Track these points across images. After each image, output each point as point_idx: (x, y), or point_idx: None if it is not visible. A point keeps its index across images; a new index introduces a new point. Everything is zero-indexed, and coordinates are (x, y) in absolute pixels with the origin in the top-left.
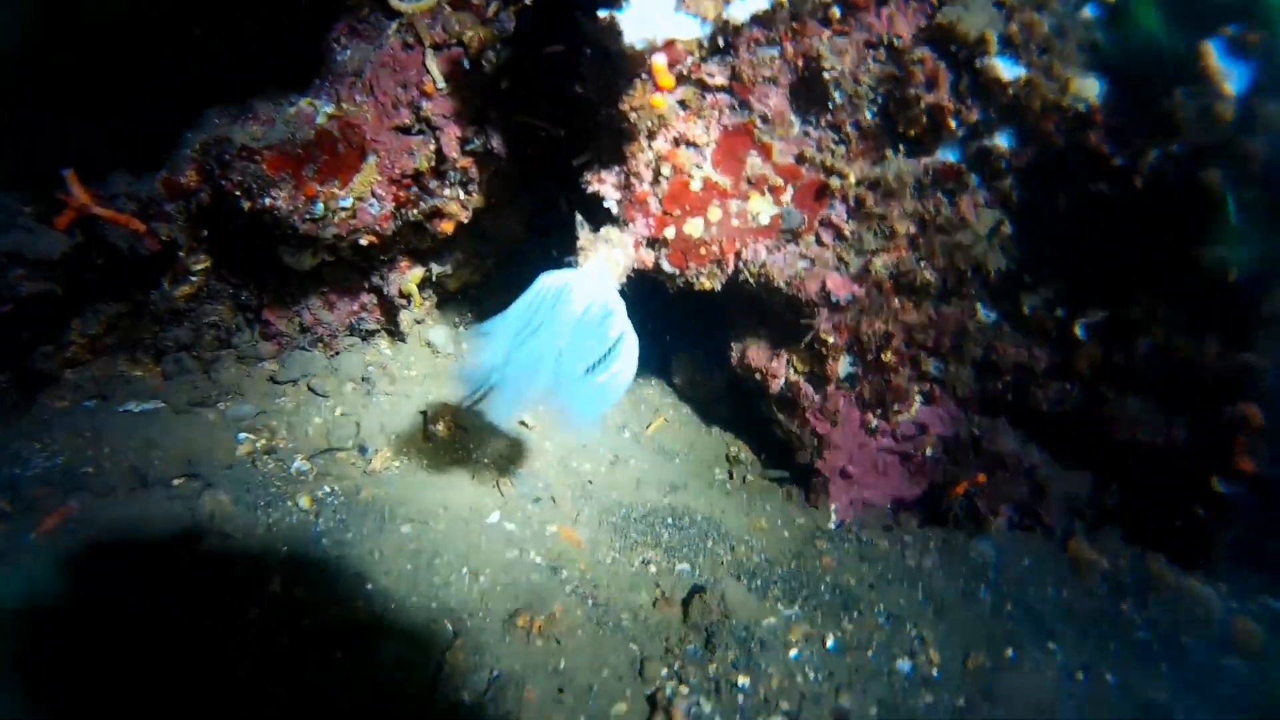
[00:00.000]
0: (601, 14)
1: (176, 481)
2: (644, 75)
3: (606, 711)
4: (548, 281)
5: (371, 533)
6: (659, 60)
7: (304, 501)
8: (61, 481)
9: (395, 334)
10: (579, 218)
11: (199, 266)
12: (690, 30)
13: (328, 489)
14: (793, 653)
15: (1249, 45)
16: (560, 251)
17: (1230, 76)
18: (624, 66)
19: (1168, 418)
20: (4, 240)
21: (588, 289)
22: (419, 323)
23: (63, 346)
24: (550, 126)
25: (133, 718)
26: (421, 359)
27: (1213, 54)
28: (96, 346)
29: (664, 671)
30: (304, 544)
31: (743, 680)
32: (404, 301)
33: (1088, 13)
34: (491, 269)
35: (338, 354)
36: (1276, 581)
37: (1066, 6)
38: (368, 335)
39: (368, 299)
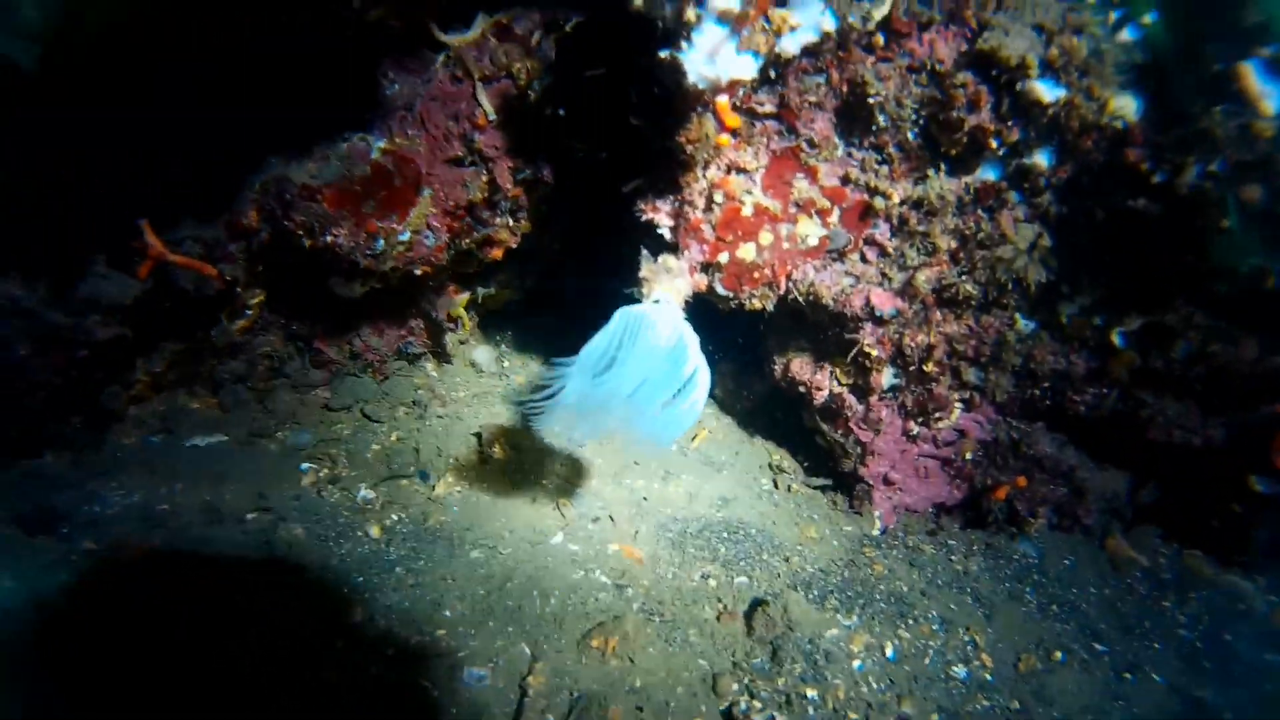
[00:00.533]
0: (663, 54)
1: (250, 516)
2: (700, 110)
3: None
4: (626, 316)
5: (443, 559)
6: (723, 100)
7: (374, 531)
8: (140, 519)
9: (441, 355)
10: (644, 251)
11: (254, 301)
12: (748, 69)
13: (395, 517)
14: (856, 664)
15: None
16: (602, 269)
17: (1269, 95)
18: (683, 103)
19: (1204, 419)
20: (82, 288)
21: (663, 322)
22: (462, 343)
23: (129, 385)
24: (594, 149)
25: None
26: (468, 379)
27: (1251, 74)
28: (159, 383)
29: (735, 686)
30: (379, 573)
31: (811, 693)
32: (451, 325)
33: (1126, 35)
34: (533, 286)
35: (387, 378)
36: None
37: (1105, 29)
38: (414, 358)
39: (415, 323)
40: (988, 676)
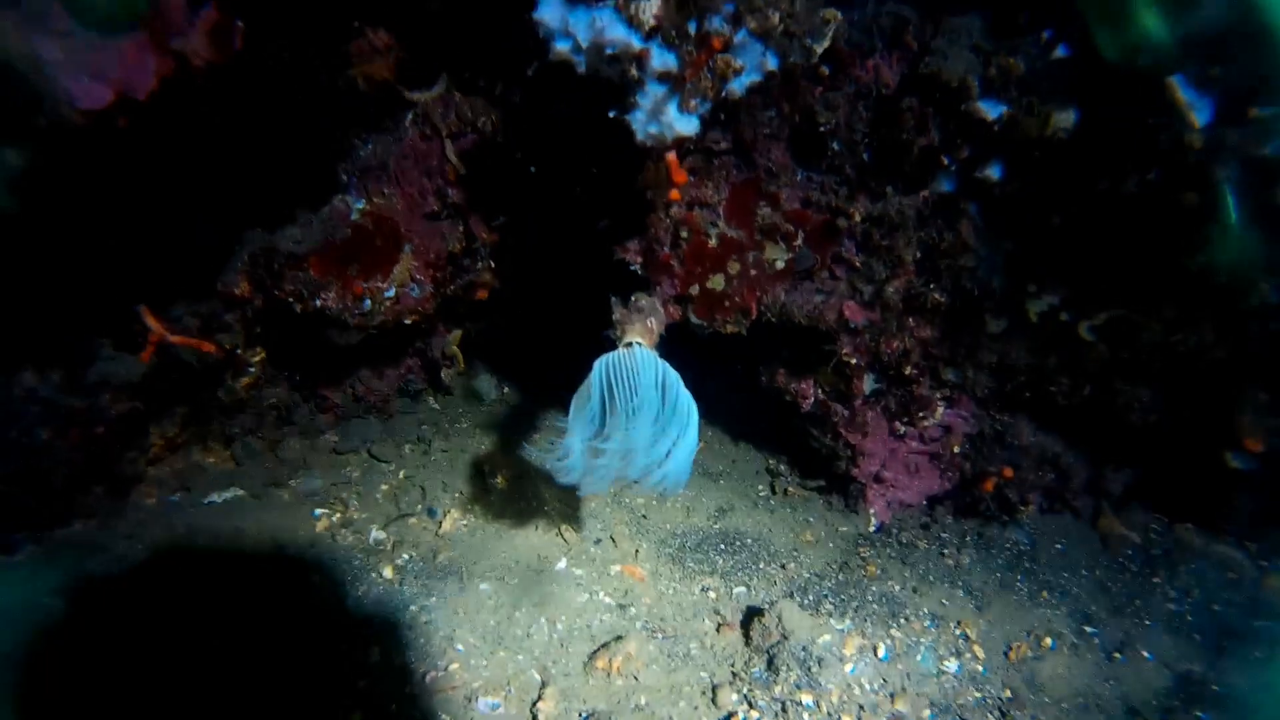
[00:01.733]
0: (611, 114)
1: (269, 568)
2: (655, 161)
3: None
4: (606, 365)
5: (453, 594)
6: (672, 157)
7: (387, 572)
8: (168, 577)
9: (442, 389)
10: (613, 298)
11: (255, 359)
12: (691, 128)
13: (406, 556)
14: (849, 667)
15: (1211, 79)
16: (588, 298)
17: (1196, 108)
18: (637, 156)
19: (1177, 403)
20: (93, 371)
21: (643, 365)
22: (461, 375)
23: (145, 450)
24: (567, 187)
25: None
26: (469, 409)
27: (1178, 88)
28: (173, 443)
29: (734, 697)
30: (394, 612)
31: (806, 699)
32: (447, 362)
33: (1059, 52)
34: (526, 316)
35: (391, 417)
36: None
37: (1038, 49)
38: (416, 394)
39: (413, 362)
40: (979, 668)
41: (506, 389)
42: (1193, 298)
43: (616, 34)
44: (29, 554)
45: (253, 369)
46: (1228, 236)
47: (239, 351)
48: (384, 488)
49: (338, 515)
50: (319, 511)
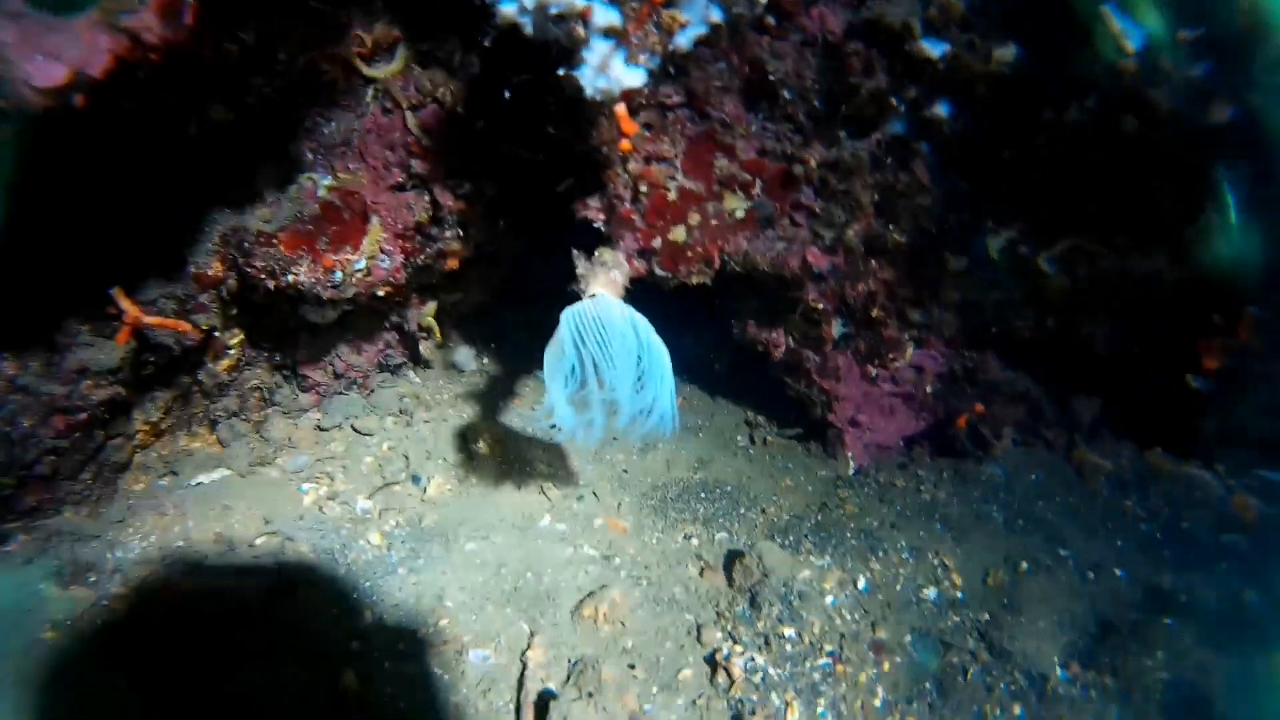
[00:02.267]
0: (560, 71)
1: (259, 541)
2: (605, 115)
3: (674, 678)
4: (574, 316)
5: (440, 555)
6: (620, 109)
7: (375, 538)
8: (160, 558)
9: (421, 362)
10: (575, 252)
11: (234, 341)
12: (638, 79)
13: (393, 522)
14: (829, 599)
15: (1139, 6)
16: (559, 262)
17: (1129, 35)
18: (589, 112)
19: (1138, 331)
20: (71, 358)
21: (612, 312)
22: (440, 348)
23: (130, 436)
24: (528, 152)
25: None
26: (450, 381)
27: (1112, 17)
28: (158, 430)
29: (719, 635)
30: (383, 575)
31: (788, 631)
32: (424, 334)
33: None
34: (499, 285)
35: (373, 391)
36: (1266, 454)
37: None
38: (396, 368)
39: (390, 336)
40: (958, 594)
41: (485, 359)
42: (1143, 224)
43: None
44: (20, 544)
45: (232, 350)
46: (1228, 235)
47: (217, 334)
48: (368, 460)
49: (324, 489)
50: (306, 486)
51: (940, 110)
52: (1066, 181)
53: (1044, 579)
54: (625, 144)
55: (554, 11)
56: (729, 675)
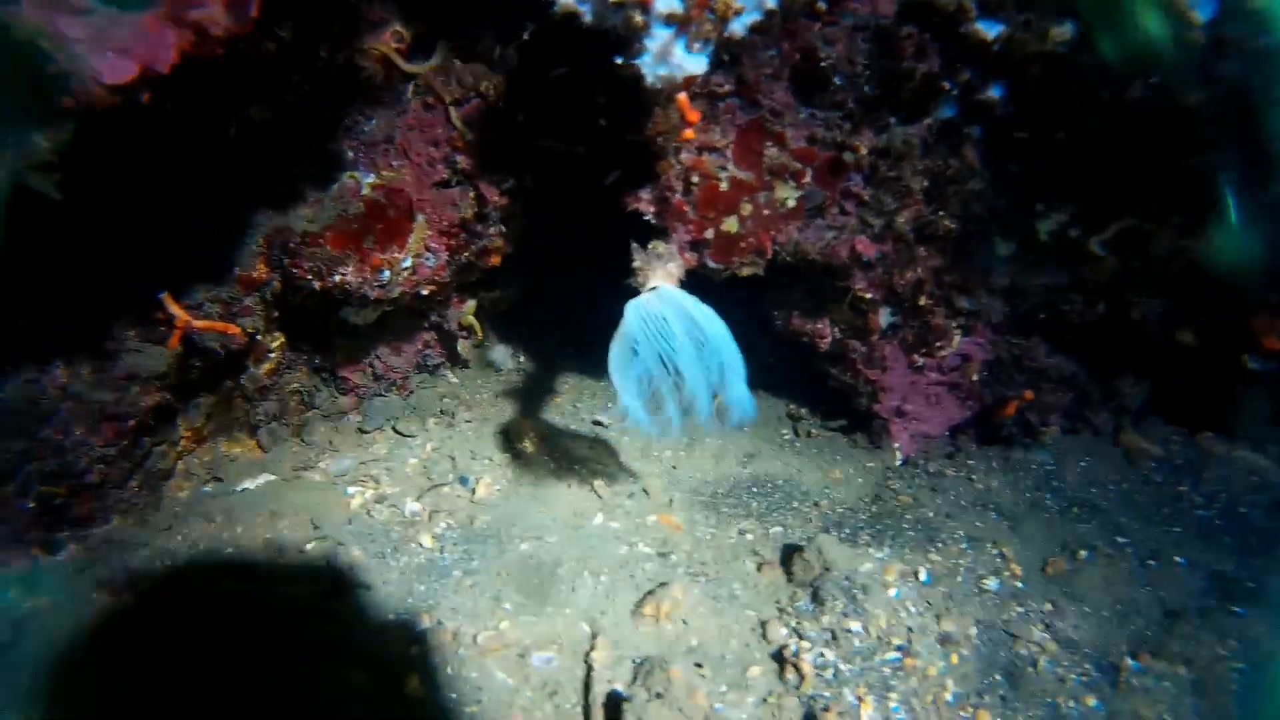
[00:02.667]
0: (619, 60)
1: (309, 545)
2: (664, 103)
3: (743, 676)
4: (639, 309)
5: (494, 556)
6: (682, 96)
7: (426, 541)
8: (211, 564)
9: (459, 362)
10: (633, 244)
11: (276, 344)
12: (700, 66)
13: (444, 524)
14: (892, 591)
15: None
16: (593, 256)
17: (1197, 6)
18: (646, 102)
19: (1191, 312)
20: (121, 364)
21: (673, 305)
22: (477, 347)
23: (174, 443)
24: (569, 145)
25: None
26: (488, 380)
27: None
28: (200, 436)
29: (783, 631)
30: (438, 579)
31: (854, 625)
32: (464, 333)
33: None
34: (531, 282)
35: (412, 392)
36: None
37: None
38: (434, 369)
39: (429, 336)
40: (1019, 584)
41: (521, 357)
42: (1201, 201)
43: None
44: (71, 554)
45: (273, 354)
46: (1229, 235)
47: (259, 337)
48: (413, 461)
49: (370, 492)
50: (352, 490)
51: (993, 93)
52: (1121, 162)
53: (1104, 567)
54: (689, 133)
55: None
56: (799, 672)
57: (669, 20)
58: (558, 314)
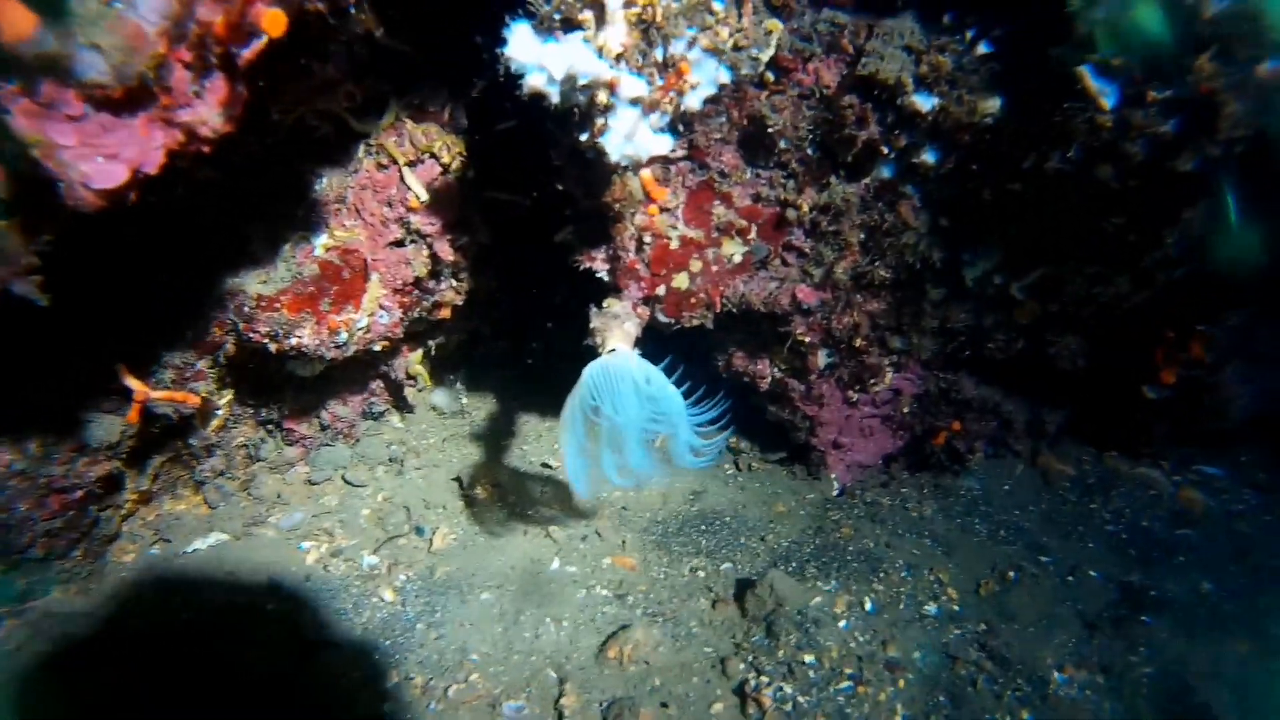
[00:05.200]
0: (584, 138)
1: (270, 607)
2: (620, 175)
3: (707, 712)
4: (595, 372)
5: (457, 607)
6: (646, 174)
7: (388, 595)
8: (166, 633)
9: (404, 408)
10: (591, 307)
11: (224, 401)
12: (665, 146)
13: (404, 577)
14: (842, 623)
15: (1114, 68)
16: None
17: (1105, 93)
18: (607, 173)
19: (1100, 348)
20: (70, 437)
21: (631, 368)
22: (421, 391)
23: (119, 507)
24: (519, 198)
25: None
26: (434, 425)
27: (1089, 76)
28: (145, 496)
29: (742, 666)
30: (403, 633)
31: (808, 658)
32: (411, 381)
33: (982, 48)
34: (476, 326)
35: (358, 441)
36: (1204, 451)
37: (963, 46)
38: (380, 415)
39: (375, 384)
40: (956, 608)
41: (465, 400)
42: (1111, 254)
43: (589, 64)
44: (8, 629)
45: (221, 411)
46: (1228, 234)
47: (210, 397)
48: (366, 512)
49: (325, 545)
50: (306, 544)
51: (928, 157)
52: (1040, 218)
53: (1030, 585)
54: (653, 209)
55: (583, 82)
56: (759, 706)
57: (634, 101)
58: (503, 353)
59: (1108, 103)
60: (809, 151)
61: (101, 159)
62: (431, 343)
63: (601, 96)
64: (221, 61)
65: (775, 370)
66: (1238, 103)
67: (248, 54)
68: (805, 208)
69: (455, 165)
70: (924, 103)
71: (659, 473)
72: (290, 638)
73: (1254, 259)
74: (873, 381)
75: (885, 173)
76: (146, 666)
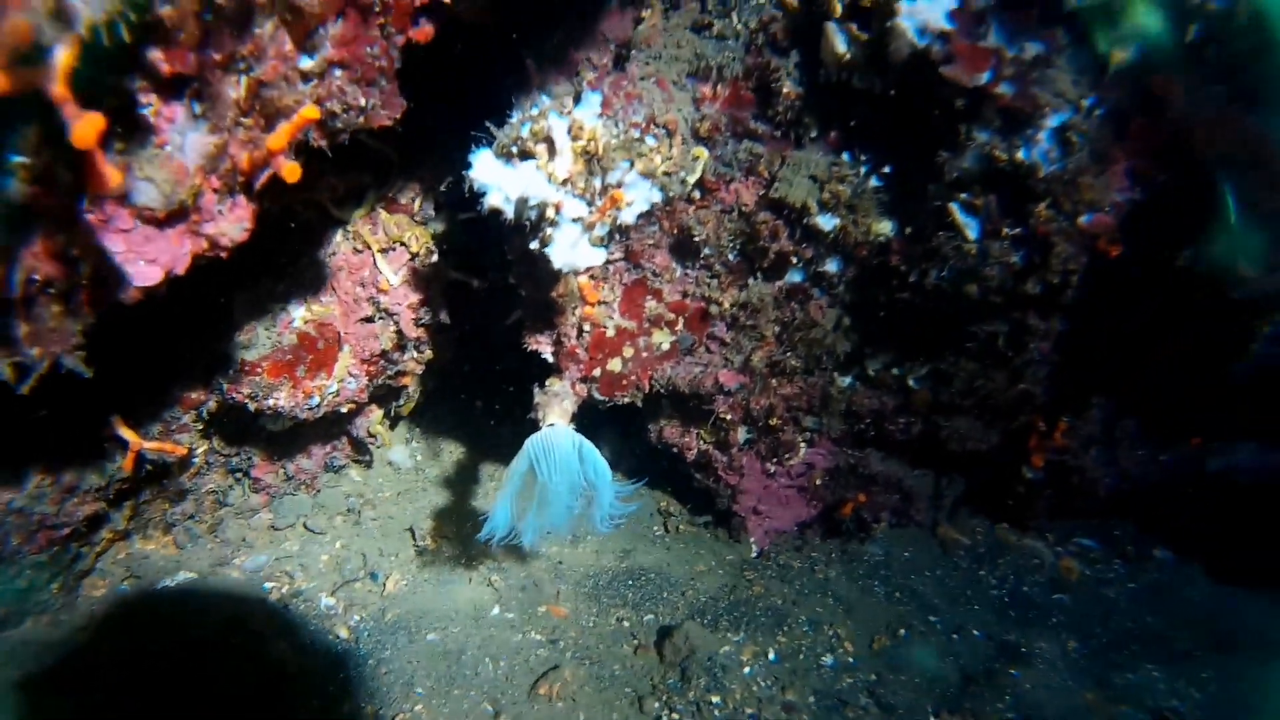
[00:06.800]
0: (532, 246)
1: (234, 640)
2: (564, 279)
3: None
4: (534, 444)
5: (405, 646)
6: (584, 280)
7: (343, 633)
8: (137, 663)
9: (363, 462)
10: (535, 386)
11: (201, 450)
12: (599, 259)
13: (358, 617)
14: (746, 670)
15: (977, 207)
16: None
17: (969, 226)
18: (552, 274)
19: (985, 431)
20: (64, 478)
21: (565, 441)
22: (379, 448)
23: (94, 544)
24: (476, 279)
25: None
26: (390, 479)
27: (957, 212)
28: (119, 535)
29: (657, 704)
30: (356, 668)
31: (715, 699)
32: (372, 439)
33: (873, 182)
34: (432, 389)
35: (319, 491)
36: (1084, 524)
37: (859, 178)
38: (340, 469)
39: (338, 440)
40: (850, 660)
41: (419, 458)
42: (985, 354)
43: (540, 188)
44: None
45: (196, 460)
46: (1228, 234)
47: (191, 447)
48: (324, 558)
49: (286, 587)
50: (268, 585)
51: (831, 267)
52: (927, 322)
53: (919, 641)
54: (589, 309)
55: (534, 202)
56: None
57: (576, 219)
58: (454, 419)
59: (971, 234)
60: (730, 257)
61: (143, 263)
62: (392, 405)
63: (550, 214)
64: (243, 187)
65: (700, 443)
66: (1066, 244)
67: (263, 179)
68: (727, 304)
69: (422, 254)
70: (826, 223)
71: (572, 534)
72: (253, 669)
73: (1254, 260)
74: (788, 456)
75: (796, 277)
76: (115, 693)
